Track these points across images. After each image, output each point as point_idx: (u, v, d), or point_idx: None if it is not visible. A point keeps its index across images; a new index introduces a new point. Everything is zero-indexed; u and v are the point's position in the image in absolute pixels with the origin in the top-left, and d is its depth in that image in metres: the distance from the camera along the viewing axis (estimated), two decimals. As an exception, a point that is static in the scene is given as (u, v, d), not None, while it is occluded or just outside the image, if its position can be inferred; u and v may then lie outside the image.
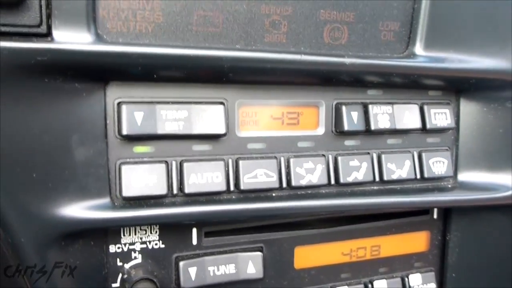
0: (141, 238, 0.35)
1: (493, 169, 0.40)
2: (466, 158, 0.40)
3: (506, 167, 0.40)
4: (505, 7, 0.37)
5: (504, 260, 0.42)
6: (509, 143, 0.39)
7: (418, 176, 0.39)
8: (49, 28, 0.27)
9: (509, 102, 0.38)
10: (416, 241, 0.43)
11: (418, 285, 0.43)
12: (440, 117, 0.38)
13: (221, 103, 0.33)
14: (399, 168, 0.38)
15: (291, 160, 0.35)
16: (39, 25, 0.27)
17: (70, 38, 0.27)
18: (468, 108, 0.40)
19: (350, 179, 0.37)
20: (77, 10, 0.28)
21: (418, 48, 0.36)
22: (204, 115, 0.31)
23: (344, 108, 0.35)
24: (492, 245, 0.42)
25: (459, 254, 0.44)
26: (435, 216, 0.43)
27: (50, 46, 0.27)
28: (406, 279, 0.43)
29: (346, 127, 0.35)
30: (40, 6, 0.27)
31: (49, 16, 0.27)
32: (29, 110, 0.29)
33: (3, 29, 0.26)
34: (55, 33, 0.27)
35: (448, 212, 0.43)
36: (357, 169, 0.37)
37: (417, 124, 0.38)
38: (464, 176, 0.40)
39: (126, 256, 0.34)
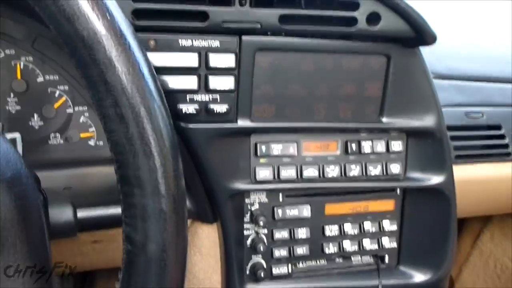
0: (259, 196, 0.68)
1: (424, 171, 0.73)
2: (410, 165, 0.73)
3: (430, 172, 0.74)
4: (425, 89, 0.70)
5: (429, 222, 0.75)
6: (432, 161, 0.73)
7: (385, 173, 0.71)
8: (236, 119, 0.62)
9: (430, 140, 0.73)
10: (388, 205, 0.74)
11: (387, 226, 0.74)
12: (397, 146, 0.72)
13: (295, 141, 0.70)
14: (375, 169, 0.71)
15: (325, 165, 0.69)
16: (233, 120, 0.62)
17: (245, 124, 0.63)
18: (412, 141, 0.72)
19: (350, 174, 0.68)
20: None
21: (384, 118, 0.69)
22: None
23: (349, 143, 0.68)
24: (424, 209, 0.75)
25: (409, 212, 0.74)
26: (398, 192, 0.74)
27: (235, 126, 0.63)
28: (381, 222, 0.74)
29: (349, 151, 0.69)
30: (236, 116, 0.62)
31: (237, 114, 0.61)
32: (221, 146, 0.67)
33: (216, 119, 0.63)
34: (239, 121, 0.62)
35: (404, 190, 0.74)
36: (354, 170, 0.69)
37: (384, 149, 0.71)
38: (409, 174, 0.73)
39: (252, 204, 0.67)
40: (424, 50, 0.70)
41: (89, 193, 0.69)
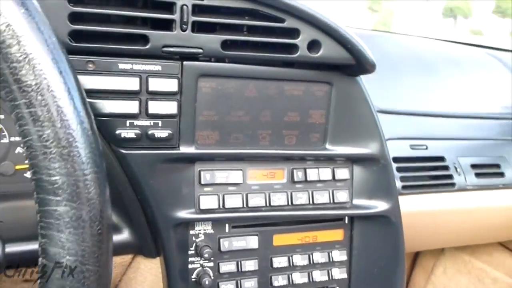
0: (204, 227, 0.69)
1: (370, 198, 0.74)
2: (356, 193, 0.73)
3: (376, 198, 0.74)
4: (367, 117, 0.71)
5: (378, 251, 0.75)
6: (377, 188, 0.73)
7: (331, 201, 0.71)
8: (178, 146, 0.61)
9: (375, 167, 0.75)
10: (337, 234, 0.74)
11: (337, 256, 0.73)
12: (343, 174, 0.72)
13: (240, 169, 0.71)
14: (322, 197, 0.71)
15: (271, 194, 0.68)
16: (176, 147, 0.61)
17: (188, 150, 0.62)
18: (357, 169, 0.73)
19: (297, 202, 0.68)
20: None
21: (328, 145, 0.70)
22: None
23: (295, 171, 0.69)
24: (372, 238, 0.75)
25: (358, 241, 0.75)
26: (346, 221, 0.74)
27: (178, 152, 0.62)
28: (331, 253, 0.73)
29: (296, 179, 0.69)
30: (178, 142, 0.62)
31: (179, 140, 0.60)
32: (163, 174, 0.67)
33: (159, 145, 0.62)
34: (181, 147, 0.62)
35: (352, 219, 0.74)
36: (301, 198, 0.69)
37: (330, 177, 0.72)
38: (356, 201, 0.73)
39: (197, 235, 0.66)
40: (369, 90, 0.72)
41: (21, 228, 0.64)
